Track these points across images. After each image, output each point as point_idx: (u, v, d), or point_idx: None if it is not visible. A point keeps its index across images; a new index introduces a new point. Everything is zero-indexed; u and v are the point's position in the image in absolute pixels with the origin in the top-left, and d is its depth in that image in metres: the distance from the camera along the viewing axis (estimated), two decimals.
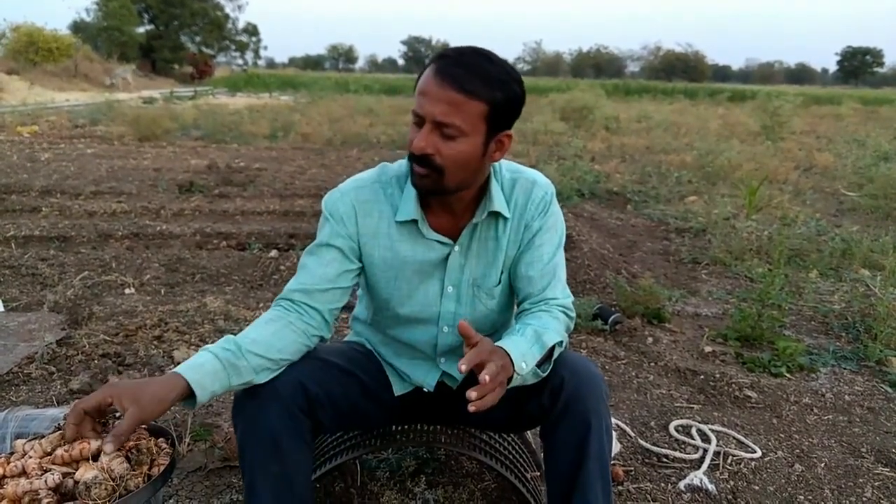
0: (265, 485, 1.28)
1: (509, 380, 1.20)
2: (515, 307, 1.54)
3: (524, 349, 1.25)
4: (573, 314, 1.46)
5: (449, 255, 1.43)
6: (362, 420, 1.57)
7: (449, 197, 1.35)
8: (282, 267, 4.04)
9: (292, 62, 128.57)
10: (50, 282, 3.63)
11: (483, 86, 1.22)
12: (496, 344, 1.22)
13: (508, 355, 1.20)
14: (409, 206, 1.37)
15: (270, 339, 1.30)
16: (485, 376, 1.11)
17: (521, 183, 1.43)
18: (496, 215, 1.41)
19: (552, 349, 1.32)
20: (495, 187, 1.39)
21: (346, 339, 1.70)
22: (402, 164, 1.43)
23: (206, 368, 1.21)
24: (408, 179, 1.39)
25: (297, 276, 1.41)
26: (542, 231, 1.43)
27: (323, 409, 1.36)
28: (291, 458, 1.30)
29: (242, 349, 1.25)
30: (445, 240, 1.41)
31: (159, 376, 1.23)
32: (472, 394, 1.09)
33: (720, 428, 2.32)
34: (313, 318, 1.38)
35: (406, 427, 1.71)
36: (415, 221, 1.38)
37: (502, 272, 1.46)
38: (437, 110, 1.22)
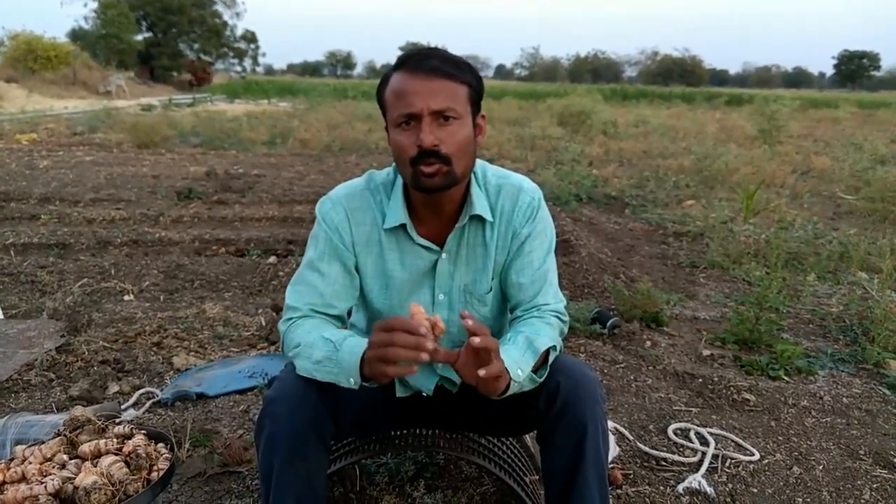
0: (290, 484, 1.29)
1: (507, 387, 1.21)
2: (509, 314, 1.55)
3: (517, 356, 1.26)
4: (566, 318, 1.47)
5: (437, 262, 1.43)
6: (374, 426, 1.59)
7: (442, 197, 1.36)
8: (280, 273, 4.05)
9: (290, 69, 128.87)
10: (49, 289, 3.64)
11: (459, 70, 1.29)
12: None
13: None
14: (397, 211, 1.38)
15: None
16: (475, 343, 1.13)
17: (506, 189, 1.44)
18: (481, 220, 1.42)
19: (547, 354, 1.33)
20: (476, 191, 1.40)
21: None
22: (388, 172, 1.44)
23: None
24: (394, 186, 1.41)
25: (300, 293, 1.41)
26: (531, 237, 1.43)
27: (345, 415, 1.38)
28: (314, 459, 1.32)
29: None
30: (433, 246, 1.42)
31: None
32: (475, 339, 1.13)
33: (718, 431, 2.32)
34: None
35: (405, 431, 1.72)
36: (403, 226, 1.39)
37: (493, 278, 1.46)
38: (433, 101, 1.24)
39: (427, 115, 1.25)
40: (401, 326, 1.12)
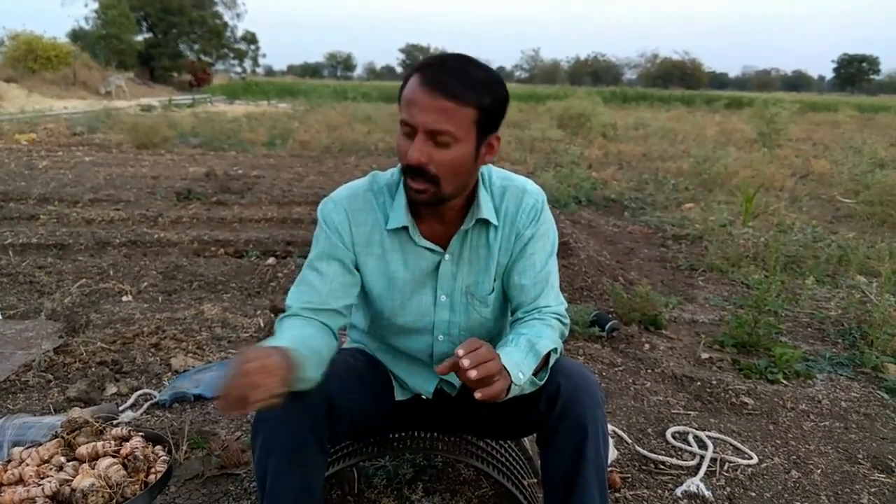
0: (286, 488, 1.29)
1: (508, 390, 1.21)
2: (510, 315, 1.55)
3: (519, 359, 1.25)
4: (567, 321, 1.47)
5: (440, 263, 1.43)
6: (371, 429, 1.59)
7: (441, 206, 1.36)
8: (279, 274, 4.05)
9: (290, 70, 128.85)
10: (47, 289, 3.63)
11: (471, 91, 1.23)
12: None
13: (504, 366, 1.21)
14: (400, 213, 1.38)
15: (309, 339, 1.28)
16: (464, 361, 1.10)
17: (511, 191, 1.43)
18: (485, 223, 1.41)
19: (548, 357, 1.33)
20: (483, 194, 1.40)
21: (343, 346, 1.70)
22: (393, 173, 1.44)
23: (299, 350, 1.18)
24: (398, 188, 1.40)
25: (300, 293, 1.39)
26: (534, 239, 1.43)
27: (341, 420, 1.37)
28: (312, 464, 1.32)
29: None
30: (436, 247, 1.41)
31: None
32: (464, 361, 1.10)
33: (717, 434, 2.32)
34: (326, 331, 1.38)
35: (403, 434, 1.72)
36: (405, 228, 1.39)
37: (495, 280, 1.46)
38: (430, 119, 1.22)
39: (421, 133, 1.23)
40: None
